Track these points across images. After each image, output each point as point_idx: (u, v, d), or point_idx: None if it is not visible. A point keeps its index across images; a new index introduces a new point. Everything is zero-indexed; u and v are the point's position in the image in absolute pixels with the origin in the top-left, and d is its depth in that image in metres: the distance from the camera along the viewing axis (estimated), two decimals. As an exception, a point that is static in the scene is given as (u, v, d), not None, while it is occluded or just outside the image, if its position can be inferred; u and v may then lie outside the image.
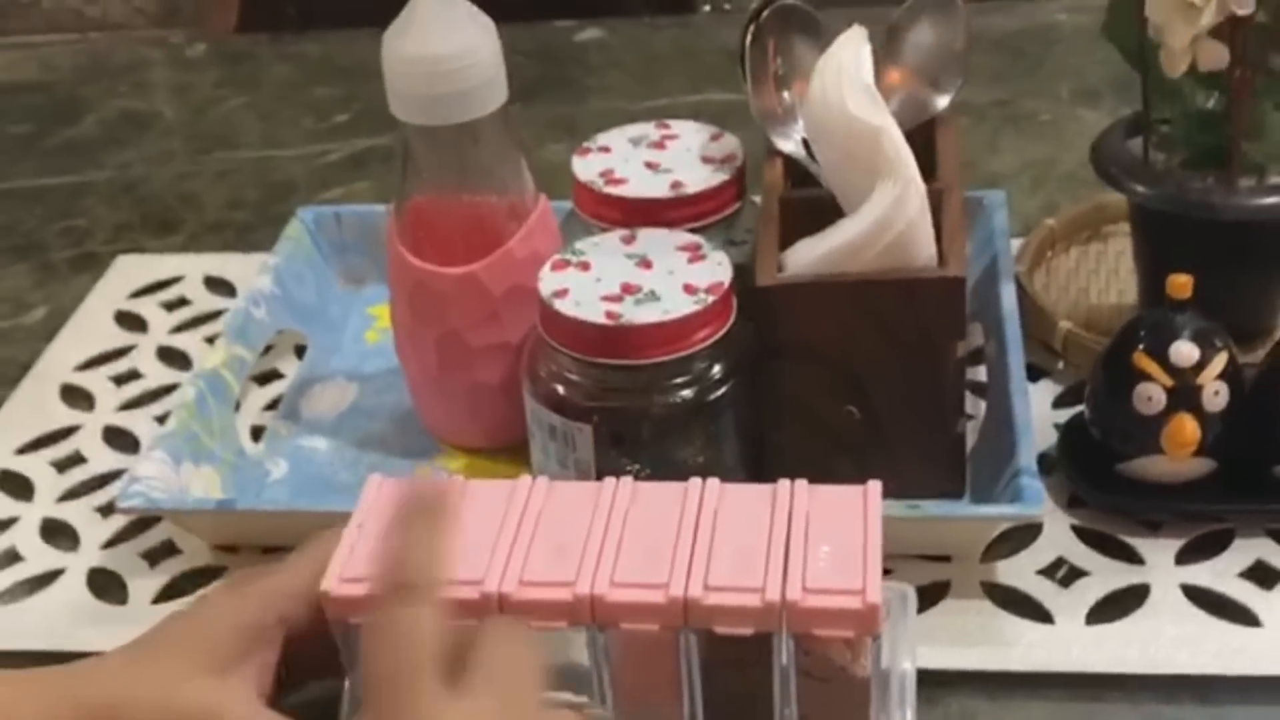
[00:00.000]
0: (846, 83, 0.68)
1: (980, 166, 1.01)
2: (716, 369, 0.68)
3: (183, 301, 0.95)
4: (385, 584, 0.50)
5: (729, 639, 0.53)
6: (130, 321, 0.94)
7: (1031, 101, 1.10)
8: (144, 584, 0.73)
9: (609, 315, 0.66)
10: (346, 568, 0.54)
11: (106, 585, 0.74)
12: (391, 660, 0.48)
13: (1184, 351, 0.68)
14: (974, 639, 0.66)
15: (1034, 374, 0.80)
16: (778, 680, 0.53)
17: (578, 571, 0.54)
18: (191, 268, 0.98)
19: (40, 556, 0.76)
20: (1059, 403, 0.79)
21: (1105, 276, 0.88)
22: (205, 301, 0.95)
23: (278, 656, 0.56)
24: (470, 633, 0.50)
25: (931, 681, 0.63)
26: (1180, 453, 0.68)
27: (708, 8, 1.66)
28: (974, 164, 1.02)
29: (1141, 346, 0.69)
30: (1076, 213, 0.90)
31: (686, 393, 0.68)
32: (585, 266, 0.70)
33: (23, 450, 0.84)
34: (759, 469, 0.71)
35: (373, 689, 0.48)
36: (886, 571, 0.54)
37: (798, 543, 0.54)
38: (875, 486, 0.56)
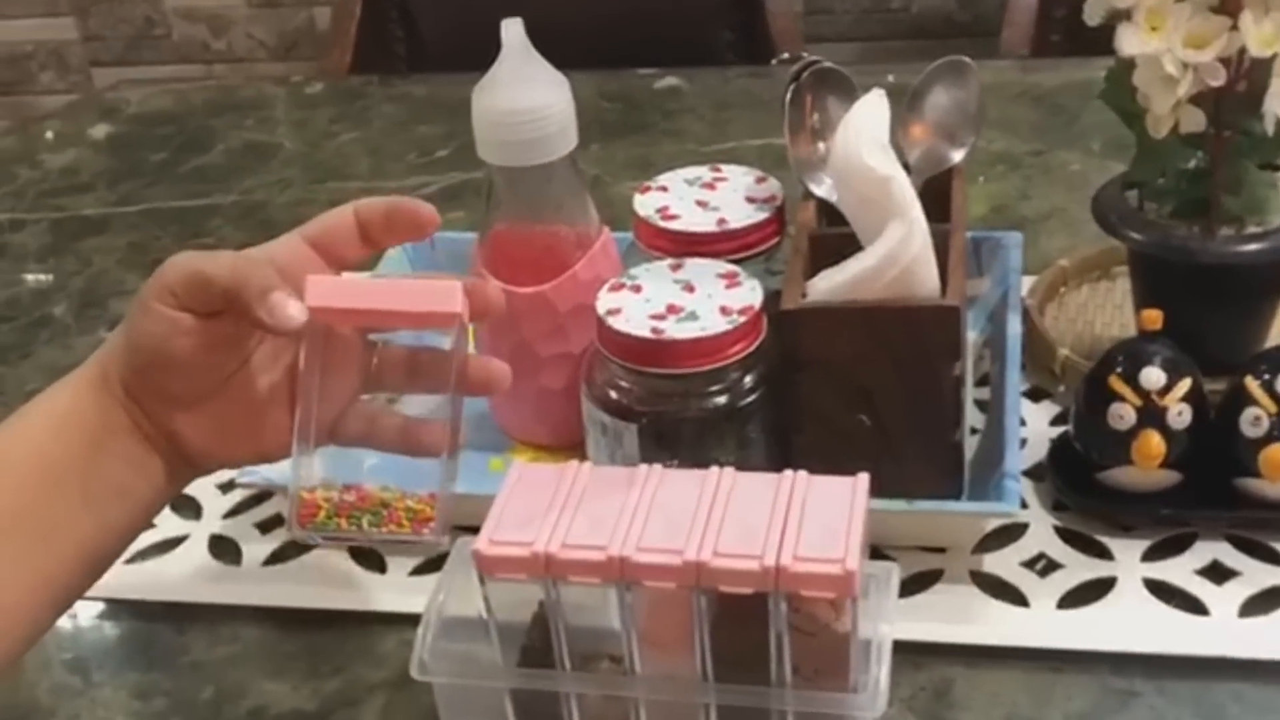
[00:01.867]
0: (864, 138, 0.79)
1: (1011, 210, 1.12)
2: (747, 379, 0.79)
3: (295, 312, 1.08)
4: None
5: (733, 598, 0.64)
6: (250, 328, 1.07)
7: (1064, 153, 1.20)
8: (256, 549, 0.86)
9: (654, 331, 0.78)
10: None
11: (224, 550, 0.87)
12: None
13: (1153, 376, 0.78)
14: (957, 617, 0.77)
15: (1037, 395, 0.91)
16: (773, 633, 0.64)
17: (610, 538, 0.65)
18: (304, 283, 1.11)
19: (168, 524, 0.89)
20: (1055, 421, 0.89)
21: (1110, 311, 0.98)
22: (315, 313, 1.07)
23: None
24: None
25: (917, 651, 0.74)
26: (1148, 464, 0.78)
27: (785, 55, 1.78)
28: (1005, 208, 1.12)
29: (1117, 371, 0.79)
30: (1088, 254, 1.01)
31: (720, 399, 0.79)
32: (637, 289, 0.81)
33: (156, 436, 0.97)
34: (783, 468, 0.81)
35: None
36: (887, 557, 0.64)
37: (794, 520, 0.65)
38: (863, 478, 0.67)
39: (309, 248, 0.68)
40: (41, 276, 1.18)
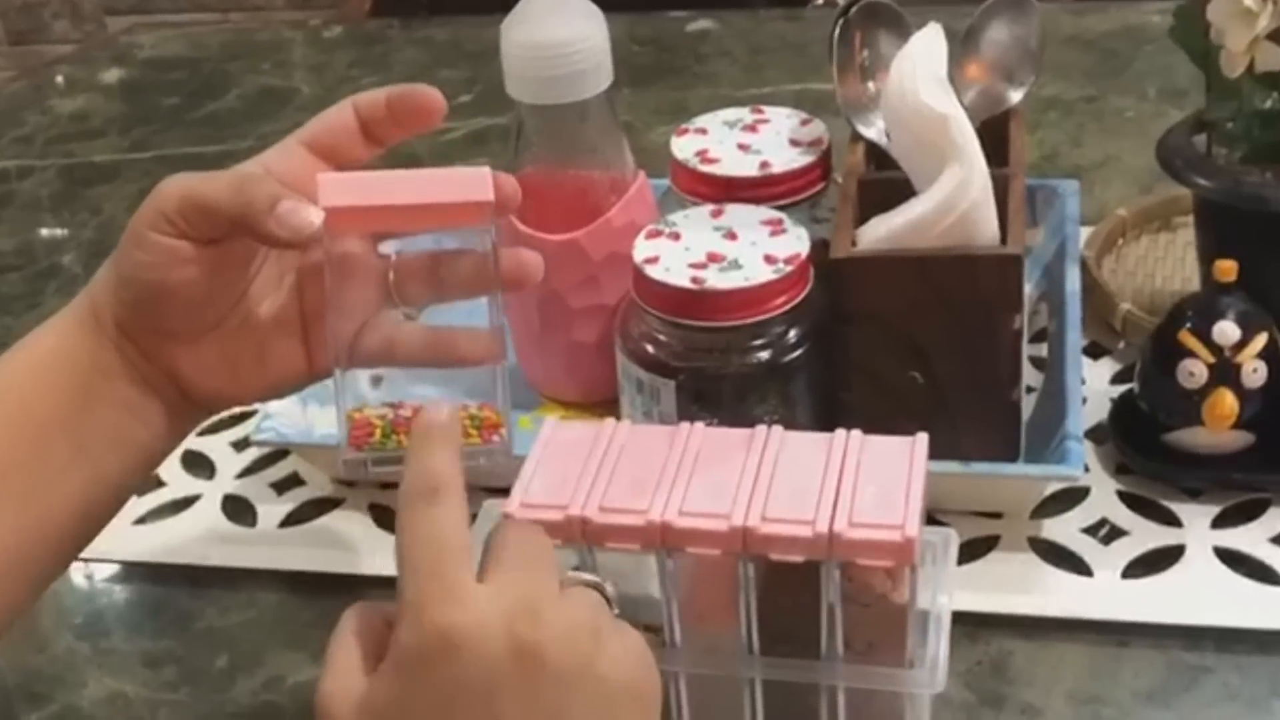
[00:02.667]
0: (920, 73, 0.74)
1: (1063, 158, 1.07)
2: (792, 333, 0.75)
3: (314, 262, 1.04)
4: (413, 490, 0.52)
5: (782, 566, 0.59)
6: (266, 279, 1.02)
7: (1118, 99, 1.15)
8: (271, 510, 0.82)
9: (694, 281, 0.73)
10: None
11: (238, 510, 0.83)
12: (424, 550, 0.50)
13: (1226, 331, 0.73)
14: (1016, 587, 0.72)
15: (1096, 352, 0.86)
16: (825, 604, 0.60)
17: (651, 501, 0.60)
18: (322, 232, 1.06)
19: (179, 483, 0.85)
20: (1116, 379, 0.85)
21: (1171, 264, 0.93)
22: (334, 263, 1.03)
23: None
24: (493, 534, 0.55)
25: (974, 622, 0.70)
26: (1219, 425, 0.74)
27: (820, 1, 1.72)
28: (1057, 155, 1.07)
29: (1188, 325, 0.74)
30: (1148, 204, 0.96)
31: (763, 354, 0.74)
32: (676, 237, 0.77)
33: (167, 390, 0.92)
34: (829, 429, 0.77)
35: (407, 577, 0.50)
36: (939, 522, 0.60)
37: (848, 483, 0.60)
38: (922, 438, 0.62)
39: (309, 153, 0.63)
40: (50, 225, 1.14)
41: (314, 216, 0.58)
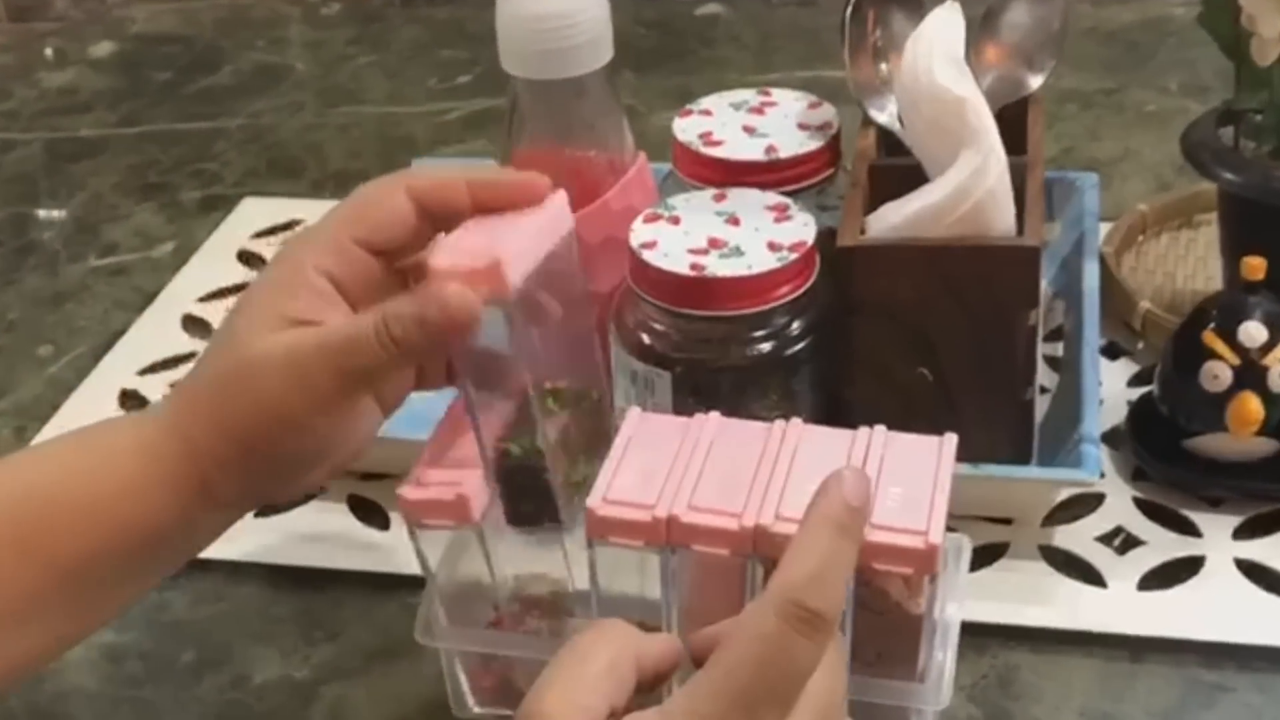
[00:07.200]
0: (936, 54, 0.70)
1: (1080, 152, 1.03)
2: (795, 325, 0.71)
3: (301, 243, 1.00)
4: (808, 598, 0.44)
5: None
6: (251, 259, 0.99)
7: (1139, 92, 1.11)
8: (247, 499, 0.78)
9: (694, 267, 0.69)
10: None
11: (213, 498, 0.79)
12: (781, 681, 0.44)
13: (1252, 332, 0.70)
14: (1025, 597, 0.68)
15: (1113, 352, 0.83)
16: (837, 610, 0.56)
17: (659, 495, 0.56)
18: (311, 212, 1.02)
19: (154, 469, 0.81)
20: (1134, 381, 0.81)
21: (1193, 263, 0.89)
22: (323, 244, 0.99)
23: (343, 303, 0.56)
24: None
25: (980, 633, 0.66)
26: (1244, 431, 0.70)
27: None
28: (1075, 149, 1.03)
29: (1212, 325, 0.71)
30: (1170, 200, 0.92)
31: (765, 346, 0.71)
32: (675, 221, 0.73)
33: (144, 372, 0.89)
34: (832, 426, 0.73)
35: (740, 679, 0.44)
36: (949, 528, 0.56)
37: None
38: (950, 438, 0.58)
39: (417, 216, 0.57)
40: (32, 201, 1.10)
41: (470, 297, 0.54)
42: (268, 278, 0.57)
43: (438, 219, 0.57)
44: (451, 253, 0.56)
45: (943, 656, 0.58)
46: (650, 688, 0.48)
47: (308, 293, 0.55)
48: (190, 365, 0.86)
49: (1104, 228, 0.88)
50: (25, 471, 0.56)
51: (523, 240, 0.56)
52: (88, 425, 0.58)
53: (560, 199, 0.59)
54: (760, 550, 0.55)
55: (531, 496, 0.60)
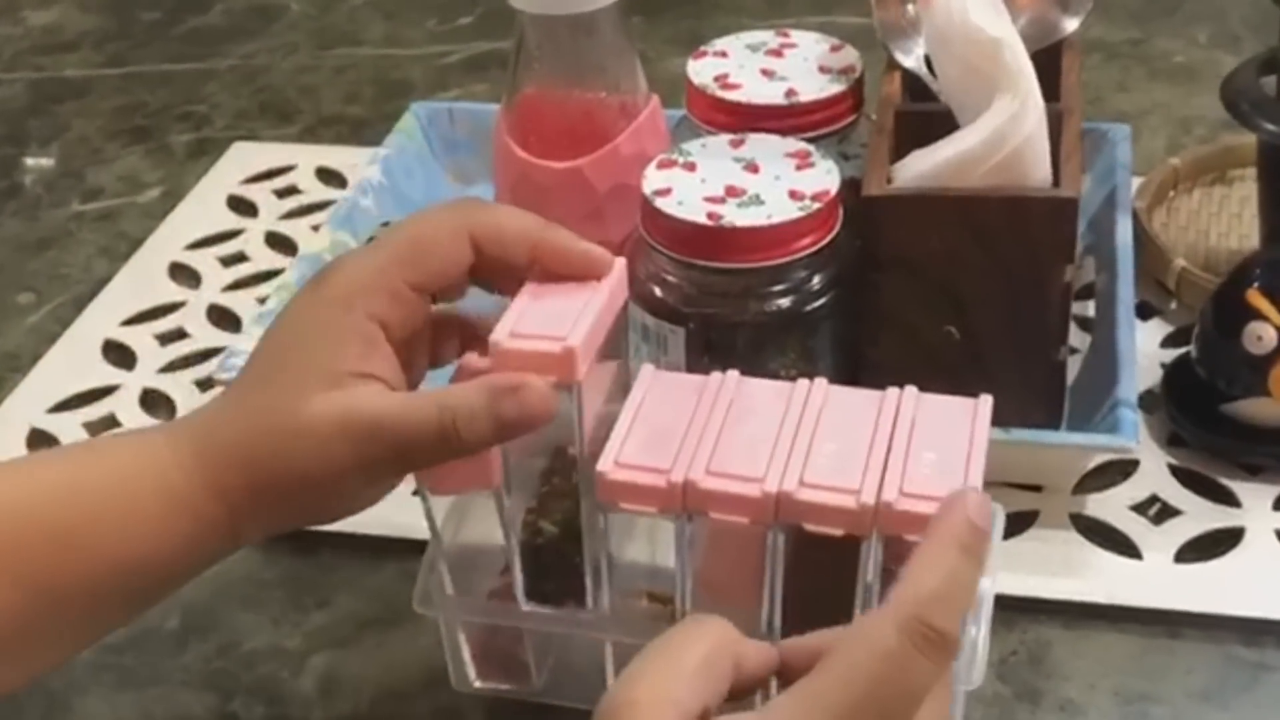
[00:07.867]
0: (970, -7, 0.66)
1: (1107, 104, 0.99)
2: (817, 279, 0.67)
3: (293, 190, 0.96)
4: (934, 618, 0.42)
5: (816, 539, 0.52)
6: (242, 206, 0.95)
7: (1167, 42, 1.07)
8: (236, 456, 0.74)
9: (710, 216, 0.65)
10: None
11: (200, 455, 0.75)
12: (898, 701, 0.42)
13: (1300, 291, 0.66)
14: (1056, 569, 0.65)
15: (1145, 312, 0.79)
16: (861, 583, 0.52)
17: (674, 458, 0.53)
18: (304, 158, 0.99)
19: (138, 424, 0.77)
20: (1168, 342, 0.77)
21: (1227, 220, 0.85)
22: (316, 191, 0.96)
23: (389, 348, 0.53)
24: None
25: (1010, 607, 0.63)
26: (1288, 396, 0.67)
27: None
28: (1101, 100, 0.99)
29: (1256, 284, 0.67)
30: (1203, 154, 0.88)
31: (784, 301, 0.67)
32: (691, 167, 0.69)
33: (128, 322, 0.85)
34: (852, 386, 0.70)
35: (856, 700, 0.42)
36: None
37: (900, 448, 0.52)
38: (986, 400, 0.55)
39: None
40: (14, 143, 1.06)
41: (549, 396, 0.51)
42: (316, 318, 0.53)
43: (487, 270, 0.55)
44: (517, 331, 0.52)
45: (975, 632, 0.54)
46: (744, 693, 0.46)
47: (359, 341, 0.52)
48: (175, 316, 0.85)
49: (1136, 182, 0.84)
50: (36, 500, 0.52)
51: (589, 320, 0.53)
52: (100, 449, 0.56)
53: (620, 270, 0.55)
54: (782, 518, 0.52)
55: (557, 577, 0.58)
